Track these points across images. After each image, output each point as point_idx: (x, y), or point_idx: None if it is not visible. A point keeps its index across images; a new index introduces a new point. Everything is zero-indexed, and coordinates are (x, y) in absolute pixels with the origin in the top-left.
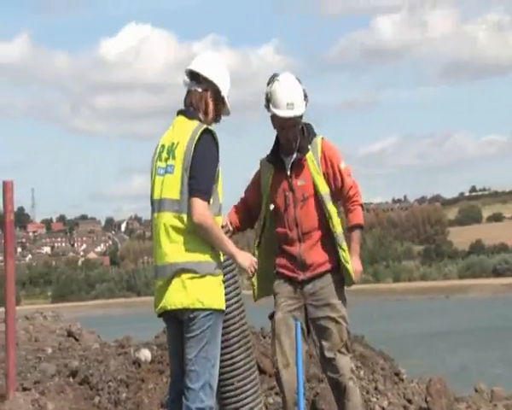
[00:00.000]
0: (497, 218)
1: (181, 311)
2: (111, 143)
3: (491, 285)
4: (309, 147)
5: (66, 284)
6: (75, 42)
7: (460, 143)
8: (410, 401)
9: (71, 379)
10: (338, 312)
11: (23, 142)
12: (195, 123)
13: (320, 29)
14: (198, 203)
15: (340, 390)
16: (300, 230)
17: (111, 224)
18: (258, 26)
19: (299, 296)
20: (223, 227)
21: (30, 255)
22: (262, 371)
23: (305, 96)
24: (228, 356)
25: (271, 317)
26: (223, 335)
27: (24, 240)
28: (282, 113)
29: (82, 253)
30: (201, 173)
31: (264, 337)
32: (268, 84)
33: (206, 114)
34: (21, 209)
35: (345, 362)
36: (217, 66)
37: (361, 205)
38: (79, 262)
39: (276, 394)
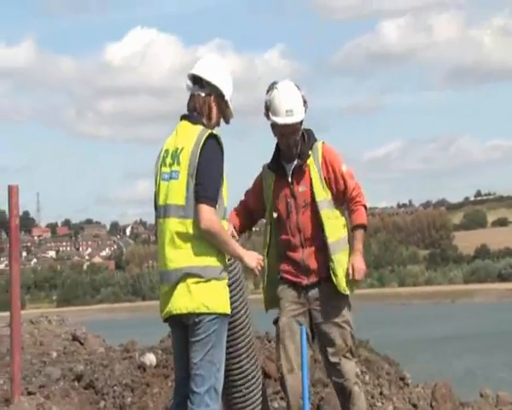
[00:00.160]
0: (502, 222)
1: (186, 315)
2: (116, 147)
3: (497, 290)
4: (310, 152)
5: (71, 289)
6: (80, 46)
7: (465, 147)
8: (415, 406)
9: (76, 383)
10: (342, 316)
11: (28, 146)
12: (199, 128)
13: (325, 34)
14: (205, 209)
15: (345, 395)
16: (303, 236)
17: (116, 228)
18: (264, 30)
19: (303, 301)
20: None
21: (35, 259)
22: (267, 376)
23: (305, 102)
24: (237, 365)
25: (276, 322)
26: (230, 342)
27: (29, 244)
28: (282, 120)
29: (87, 257)
30: (208, 179)
31: (270, 342)
32: (267, 92)
33: (209, 118)
34: (26, 213)
35: (349, 367)
36: (219, 69)
37: (364, 206)
38: (84, 266)
39: (282, 398)
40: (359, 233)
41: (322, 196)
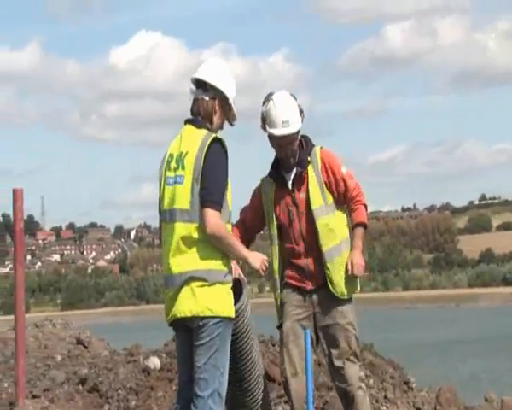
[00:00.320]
0: (506, 226)
1: (190, 319)
2: (120, 150)
3: (501, 294)
4: (309, 158)
5: (76, 292)
6: (85, 50)
7: (470, 151)
8: None
9: (80, 387)
10: (345, 318)
11: (33, 150)
12: (204, 132)
13: (329, 37)
14: (210, 213)
15: (348, 400)
16: (307, 243)
17: (120, 232)
18: (268, 34)
19: (308, 305)
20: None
21: (39, 263)
22: (271, 380)
23: (301, 112)
24: (240, 392)
25: (280, 326)
26: (233, 370)
27: (34, 248)
28: (278, 131)
29: (91, 260)
30: (213, 183)
31: (274, 345)
32: (263, 104)
33: (213, 121)
34: (31, 217)
35: (353, 371)
36: (223, 73)
37: (364, 204)
38: (89, 270)
39: (286, 402)
40: (359, 231)
41: (319, 203)
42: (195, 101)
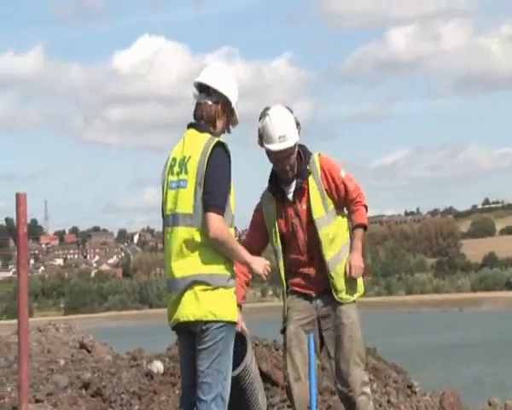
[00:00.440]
0: (510, 231)
1: (193, 323)
2: (124, 155)
3: (505, 298)
4: (308, 167)
5: (79, 296)
6: (89, 54)
7: (473, 155)
8: None
9: (83, 391)
10: (349, 318)
11: (36, 154)
12: (207, 136)
13: (333, 41)
14: (213, 218)
15: (350, 405)
16: (310, 252)
17: (123, 236)
18: (272, 38)
19: (312, 310)
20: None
21: (43, 267)
22: (274, 384)
23: (298, 125)
24: None
25: (283, 331)
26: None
27: (37, 252)
28: (275, 147)
29: (94, 265)
30: (216, 187)
31: (277, 350)
32: (259, 119)
33: (216, 126)
34: (34, 221)
35: (356, 376)
36: (226, 77)
37: (365, 205)
38: (92, 274)
39: (289, 406)
40: (359, 232)
41: (320, 213)
42: (198, 105)
